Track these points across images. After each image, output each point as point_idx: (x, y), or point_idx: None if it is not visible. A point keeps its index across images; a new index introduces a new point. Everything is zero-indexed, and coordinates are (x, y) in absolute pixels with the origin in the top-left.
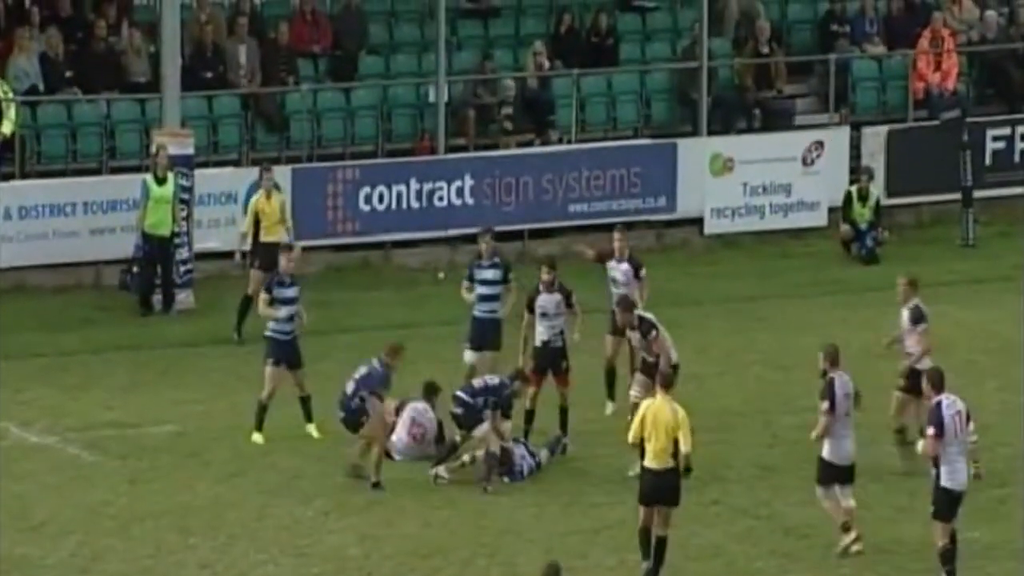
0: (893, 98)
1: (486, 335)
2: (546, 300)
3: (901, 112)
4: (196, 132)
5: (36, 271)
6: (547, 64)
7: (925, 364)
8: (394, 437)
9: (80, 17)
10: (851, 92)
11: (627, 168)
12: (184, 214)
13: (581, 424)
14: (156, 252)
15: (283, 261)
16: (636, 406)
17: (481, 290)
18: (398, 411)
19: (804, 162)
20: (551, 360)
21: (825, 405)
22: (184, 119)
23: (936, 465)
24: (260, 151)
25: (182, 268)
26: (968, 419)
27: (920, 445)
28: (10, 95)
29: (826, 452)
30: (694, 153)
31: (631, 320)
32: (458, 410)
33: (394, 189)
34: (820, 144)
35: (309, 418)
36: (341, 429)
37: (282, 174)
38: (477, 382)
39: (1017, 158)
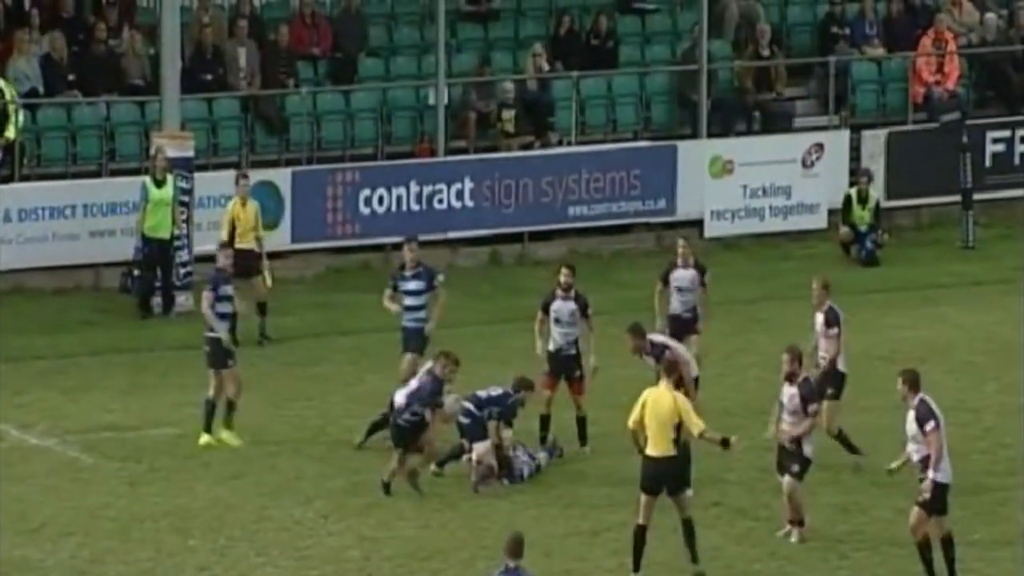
0: (893, 100)
1: (410, 341)
2: (560, 306)
3: (901, 114)
4: (196, 134)
5: (36, 273)
6: (547, 66)
7: (842, 365)
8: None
9: (80, 19)
10: (851, 94)
11: (627, 170)
12: (184, 217)
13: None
14: (156, 255)
15: (222, 258)
16: None
17: (407, 301)
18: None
19: (804, 164)
20: (564, 366)
21: (814, 408)
22: (184, 121)
23: (936, 461)
24: (260, 153)
25: (182, 271)
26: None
27: (913, 449)
28: (16, 98)
29: (808, 451)
30: (694, 155)
31: (643, 346)
32: (465, 420)
33: (394, 191)
34: (820, 146)
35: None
36: (342, 433)
37: (282, 176)
38: (482, 393)
39: (1017, 160)
